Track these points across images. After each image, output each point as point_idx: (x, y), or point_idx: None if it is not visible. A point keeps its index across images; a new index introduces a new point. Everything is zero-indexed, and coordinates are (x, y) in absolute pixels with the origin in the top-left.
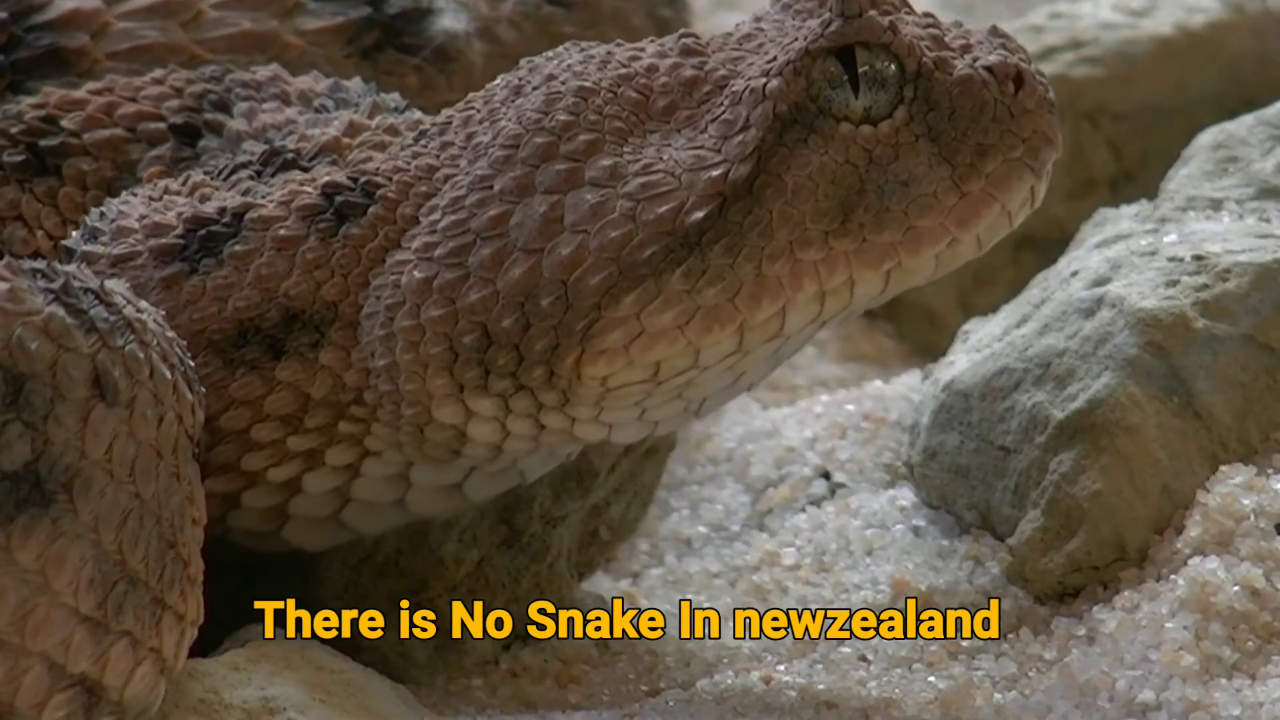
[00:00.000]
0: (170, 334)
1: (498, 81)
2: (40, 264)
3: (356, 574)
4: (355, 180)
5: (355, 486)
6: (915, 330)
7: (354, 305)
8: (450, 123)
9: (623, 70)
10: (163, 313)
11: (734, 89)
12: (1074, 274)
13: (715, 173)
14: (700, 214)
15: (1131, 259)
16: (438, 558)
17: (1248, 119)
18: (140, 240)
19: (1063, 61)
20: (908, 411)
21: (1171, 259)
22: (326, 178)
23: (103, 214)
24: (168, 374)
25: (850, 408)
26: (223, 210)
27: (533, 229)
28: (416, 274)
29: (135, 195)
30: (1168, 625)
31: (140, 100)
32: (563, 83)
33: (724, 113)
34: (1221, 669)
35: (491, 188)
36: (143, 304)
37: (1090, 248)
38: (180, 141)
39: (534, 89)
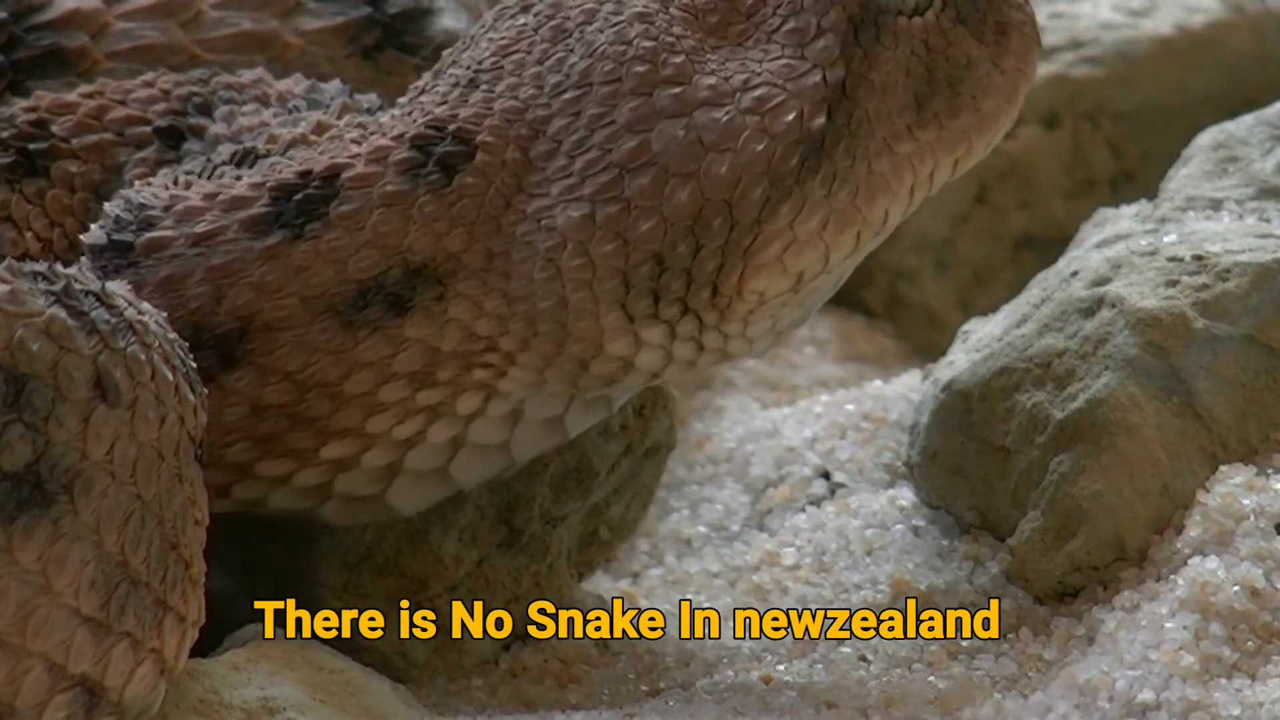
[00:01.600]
0: (172, 335)
1: (514, 19)
2: (41, 266)
3: (356, 574)
4: (440, 129)
5: (472, 430)
6: (915, 330)
7: (481, 253)
8: (480, 66)
9: None
10: (164, 314)
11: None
12: (1074, 274)
13: (815, 78)
14: (821, 119)
15: (1131, 259)
16: (437, 558)
17: (1248, 119)
18: (221, 214)
19: (1063, 61)
20: (908, 411)
21: (1171, 259)
22: (404, 130)
23: (127, 201)
24: (169, 375)
25: (850, 408)
26: (307, 173)
27: (678, 153)
28: (572, 213)
29: (150, 184)
30: (1168, 625)
31: (129, 103)
32: (617, 12)
33: (787, 23)
34: (1221, 669)
35: (614, 122)
36: (144, 305)
37: (1090, 248)
38: (165, 145)
39: (582, 22)
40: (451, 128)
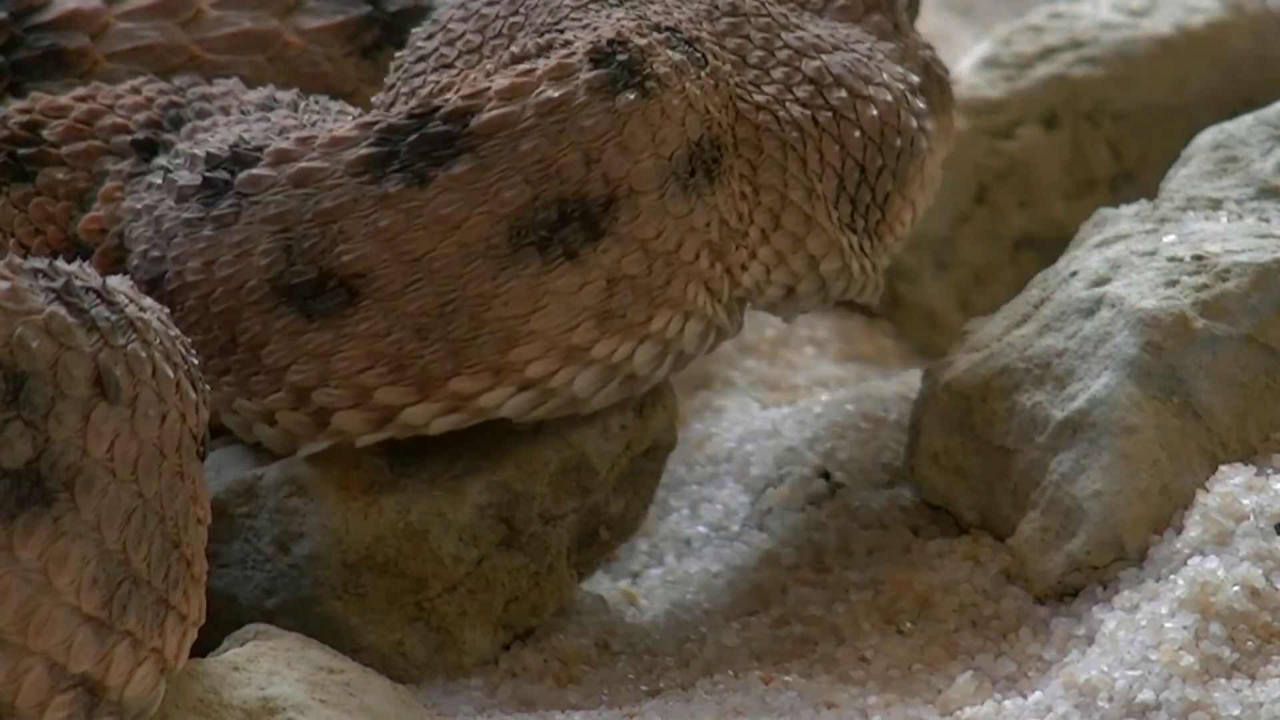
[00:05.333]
0: (174, 332)
1: None
2: (42, 263)
3: (356, 574)
4: (665, 27)
5: (717, 314)
6: (915, 330)
7: (731, 136)
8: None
9: None
10: (166, 310)
11: None
12: (1074, 274)
13: (891, 45)
14: (916, 77)
15: (1131, 259)
16: (437, 557)
17: (1247, 119)
18: (553, 84)
19: (1063, 61)
20: (908, 411)
21: (1171, 259)
22: (645, 21)
23: (380, 116)
24: (170, 372)
25: (850, 408)
26: (598, 41)
27: (851, 79)
28: (796, 112)
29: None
30: (1167, 625)
31: (118, 109)
32: None
33: (832, 2)
34: (1221, 669)
35: (786, 46)
36: (145, 301)
37: (1090, 248)
38: (139, 157)
39: None
40: (666, 27)
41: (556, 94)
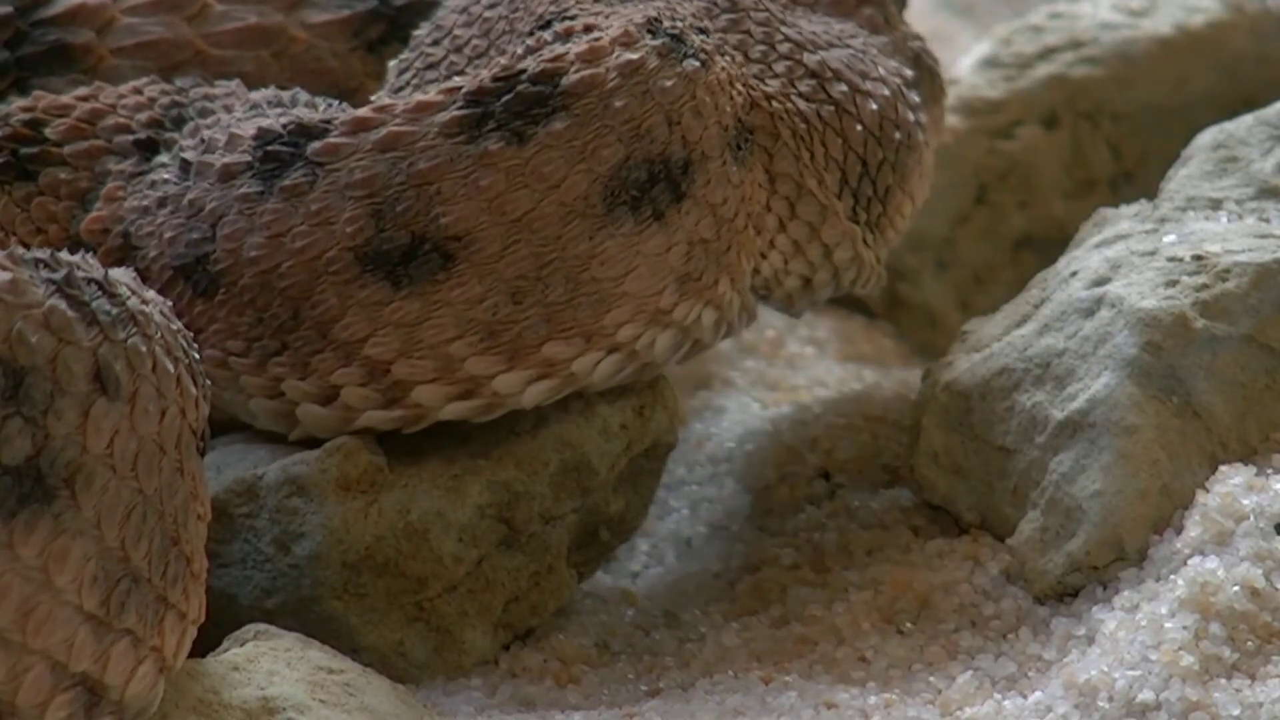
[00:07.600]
0: (175, 325)
1: None
2: (44, 254)
3: (356, 574)
4: (669, 18)
5: (747, 297)
6: (915, 330)
7: (747, 123)
8: None
9: None
10: (169, 303)
11: None
12: (1074, 274)
13: (884, 38)
14: (910, 71)
15: (1131, 259)
16: (437, 557)
17: (1247, 119)
18: (624, 49)
19: (1063, 61)
20: (907, 411)
21: (1171, 259)
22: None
23: (468, 82)
24: (171, 367)
25: (850, 408)
26: (647, 20)
27: (850, 74)
28: (802, 105)
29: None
30: (1167, 625)
31: (120, 109)
32: None
33: None
34: (1221, 669)
35: (786, 39)
36: (148, 294)
37: (1090, 248)
38: (142, 157)
39: None
40: (678, 27)
41: (635, 57)
